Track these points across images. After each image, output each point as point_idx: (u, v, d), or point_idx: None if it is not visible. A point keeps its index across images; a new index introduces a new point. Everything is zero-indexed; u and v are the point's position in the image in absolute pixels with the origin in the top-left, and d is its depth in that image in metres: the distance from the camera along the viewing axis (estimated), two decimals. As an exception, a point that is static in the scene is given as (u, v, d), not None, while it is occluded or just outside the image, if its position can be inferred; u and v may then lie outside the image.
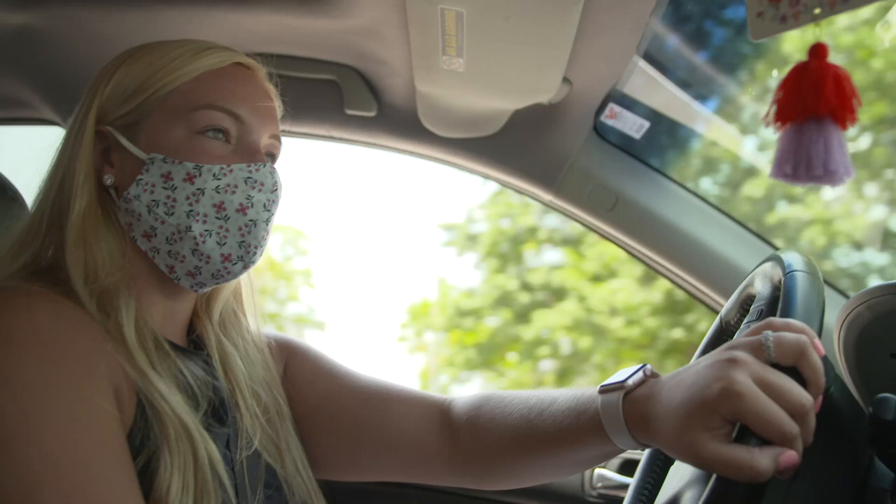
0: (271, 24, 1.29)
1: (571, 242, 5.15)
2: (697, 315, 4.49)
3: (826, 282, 1.47)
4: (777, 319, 0.73)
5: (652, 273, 4.90)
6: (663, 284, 4.59)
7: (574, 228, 5.12)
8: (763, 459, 0.63)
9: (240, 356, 0.98)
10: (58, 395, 0.70)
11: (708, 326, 1.07)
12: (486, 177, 1.60)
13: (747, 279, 0.99)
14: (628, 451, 1.58)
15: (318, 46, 1.36)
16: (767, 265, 0.95)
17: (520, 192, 1.61)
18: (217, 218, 0.86)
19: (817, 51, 0.79)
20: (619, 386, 0.79)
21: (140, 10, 1.26)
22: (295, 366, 1.07)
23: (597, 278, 4.92)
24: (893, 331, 1.02)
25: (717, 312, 1.54)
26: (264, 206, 0.89)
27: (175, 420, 0.78)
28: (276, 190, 0.91)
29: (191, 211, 0.86)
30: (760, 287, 0.95)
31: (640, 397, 0.77)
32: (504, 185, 1.61)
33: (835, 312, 1.08)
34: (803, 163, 0.77)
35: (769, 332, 0.69)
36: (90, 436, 0.70)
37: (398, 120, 1.51)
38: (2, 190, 1.09)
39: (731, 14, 2.21)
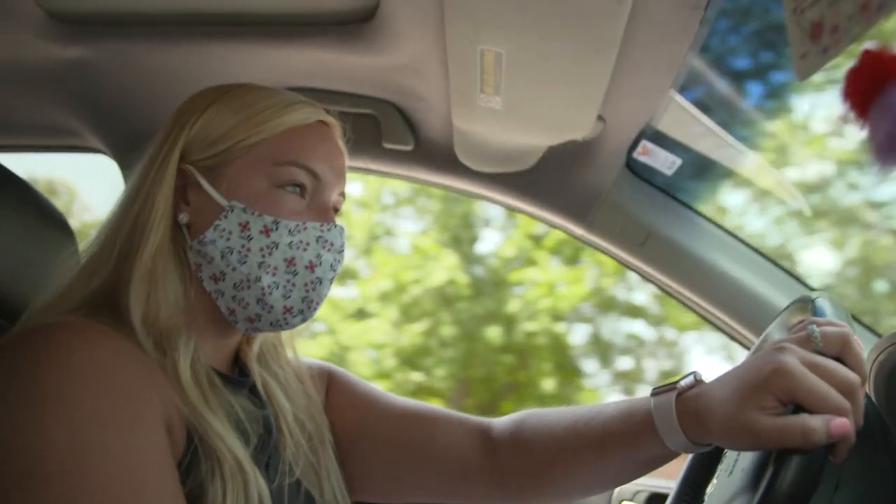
0: (313, 60, 1.32)
1: (347, 274, 5.32)
2: (435, 360, 4.76)
3: (855, 318, 1.47)
4: (819, 318, 0.79)
5: (406, 316, 5.00)
6: (415, 329, 4.80)
7: (349, 265, 5.35)
8: (815, 422, 0.68)
9: (280, 386, 1.00)
10: (114, 427, 0.70)
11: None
12: (520, 210, 1.61)
13: (758, 340, 1.01)
14: (655, 485, 1.59)
15: (358, 82, 1.39)
16: (783, 314, 0.96)
17: (552, 225, 1.63)
18: (286, 272, 0.88)
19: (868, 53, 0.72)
20: (671, 387, 0.84)
21: (186, 45, 1.30)
22: (333, 390, 1.09)
23: (359, 315, 5.10)
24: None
25: (748, 349, 1.55)
26: (331, 265, 0.92)
27: (229, 457, 0.79)
28: (342, 251, 0.94)
29: (262, 262, 0.88)
30: (777, 336, 0.96)
31: (691, 396, 0.82)
32: (537, 218, 1.63)
33: (865, 351, 1.09)
34: None
35: (814, 326, 0.76)
36: (144, 467, 0.70)
37: (435, 154, 1.53)
38: (58, 223, 1.12)
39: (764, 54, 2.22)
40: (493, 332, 4.73)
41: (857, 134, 0.77)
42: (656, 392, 0.86)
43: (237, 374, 0.98)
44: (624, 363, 4.92)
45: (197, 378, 0.83)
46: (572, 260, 4.78)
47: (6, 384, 0.70)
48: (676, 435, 0.82)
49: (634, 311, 4.90)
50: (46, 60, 1.33)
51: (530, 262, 4.84)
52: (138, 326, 0.81)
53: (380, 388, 1.12)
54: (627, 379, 4.81)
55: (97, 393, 0.71)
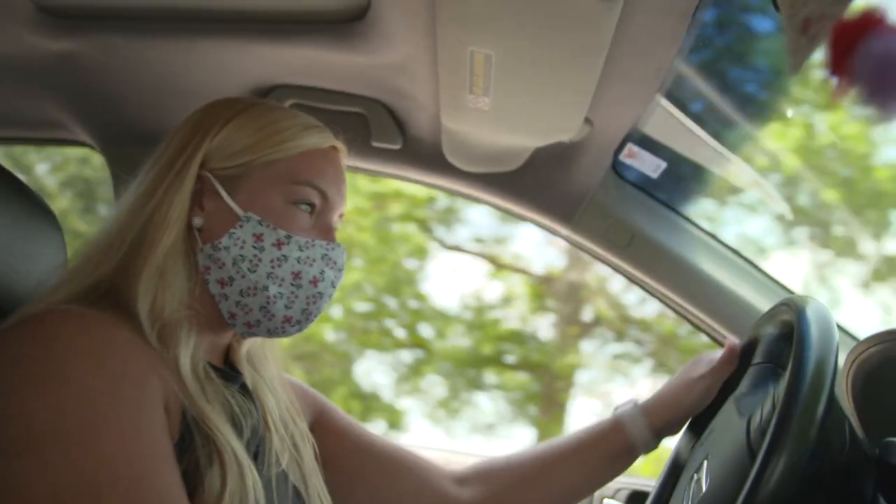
0: (303, 58, 1.32)
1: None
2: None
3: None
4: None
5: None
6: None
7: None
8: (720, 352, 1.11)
9: (267, 386, 1.03)
10: (116, 401, 0.73)
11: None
12: (507, 211, 1.63)
13: (742, 342, 1.12)
14: (636, 483, 1.60)
15: (348, 81, 1.39)
16: (780, 307, 0.99)
17: (538, 226, 1.64)
18: (292, 284, 0.93)
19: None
20: (629, 401, 1.14)
21: (176, 41, 1.30)
22: (324, 421, 1.14)
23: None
24: (902, 374, 1.05)
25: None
26: (332, 282, 0.97)
27: (228, 449, 0.81)
28: (342, 269, 0.98)
29: (271, 273, 0.92)
30: (771, 329, 0.99)
31: (645, 400, 1.14)
32: (523, 219, 1.64)
33: (843, 354, 1.11)
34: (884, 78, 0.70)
35: None
36: (145, 443, 0.73)
37: (423, 153, 1.54)
38: (45, 216, 1.11)
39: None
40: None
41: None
42: (617, 407, 1.15)
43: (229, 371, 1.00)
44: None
45: (196, 370, 0.86)
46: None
47: (11, 367, 0.73)
48: (641, 426, 1.11)
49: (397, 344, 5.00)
50: (36, 54, 1.33)
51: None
52: (144, 318, 0.84)
53: (359, 423, 1.19)
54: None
55: (99, 374, 0.74)
